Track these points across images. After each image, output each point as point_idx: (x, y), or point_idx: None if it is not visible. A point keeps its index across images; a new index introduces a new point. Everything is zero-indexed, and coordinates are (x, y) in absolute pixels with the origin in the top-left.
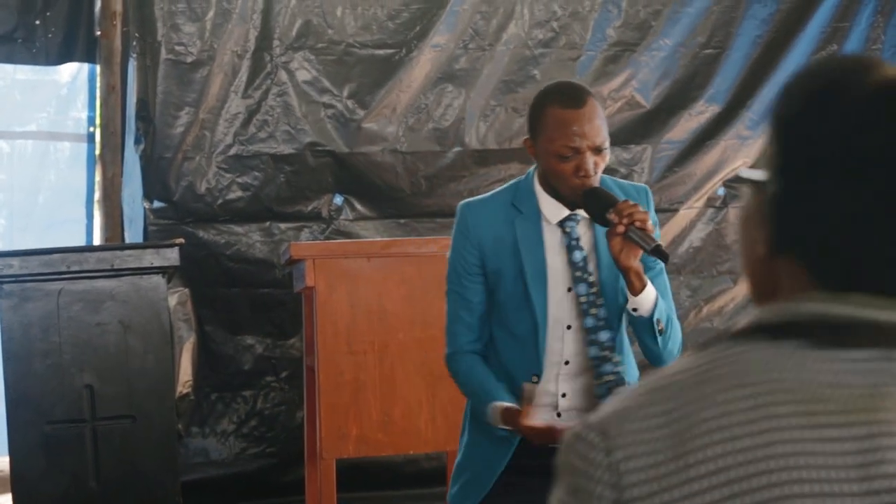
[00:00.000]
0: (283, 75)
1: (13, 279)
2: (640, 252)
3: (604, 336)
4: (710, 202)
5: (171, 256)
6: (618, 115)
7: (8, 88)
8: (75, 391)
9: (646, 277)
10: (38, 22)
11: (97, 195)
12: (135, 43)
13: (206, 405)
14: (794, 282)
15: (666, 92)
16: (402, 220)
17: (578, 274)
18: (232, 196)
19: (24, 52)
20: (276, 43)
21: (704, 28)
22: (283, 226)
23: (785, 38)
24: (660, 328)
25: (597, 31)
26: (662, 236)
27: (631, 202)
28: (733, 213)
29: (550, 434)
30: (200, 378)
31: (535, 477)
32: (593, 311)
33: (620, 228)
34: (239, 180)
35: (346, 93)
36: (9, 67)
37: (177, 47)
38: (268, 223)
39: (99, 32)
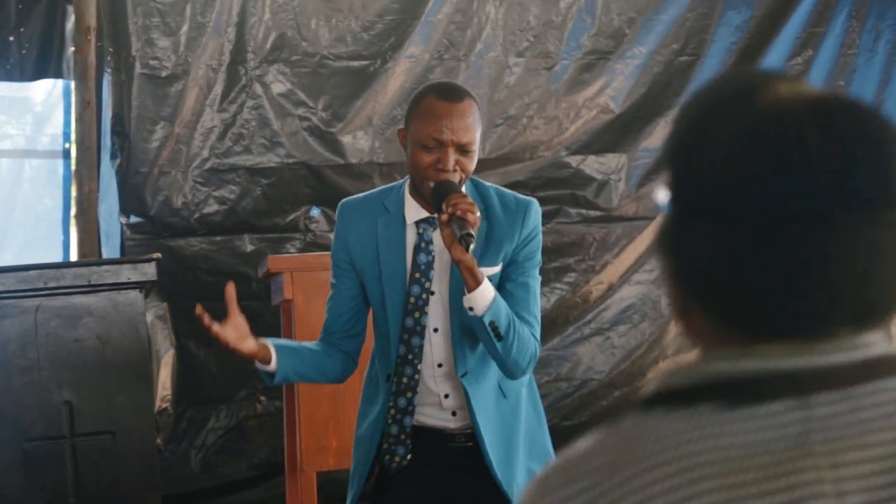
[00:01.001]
0: (258, 88)
1: None
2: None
3: (416, 341)
4: None
5: (149, 271)
6: (593, 124)
7: None
8: (54, 407)
9: (481, 275)
10: (11, 38)
11: (73, 211)
12: (109, 58)
13: (186, 419)
14: (703, 318)
15: (641, 100)
16: None
17: (416, 276)
18: (208, 210)
19: None
20: (250, 56)
21: (679, 35)
22: (260, 238)
23: (760, 44)
24: (496, 331)
25: (571, 40)
26: (640, 244)
27: (462, 194)
28: None
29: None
30: (179, 392)
31: (435, 471)
32: (416, 313)
33: (444, 217)
34: (215, 194)
35: (321, 105)
36: None
37: (151, 62)
38: (245, 236)
39: (73, 48)
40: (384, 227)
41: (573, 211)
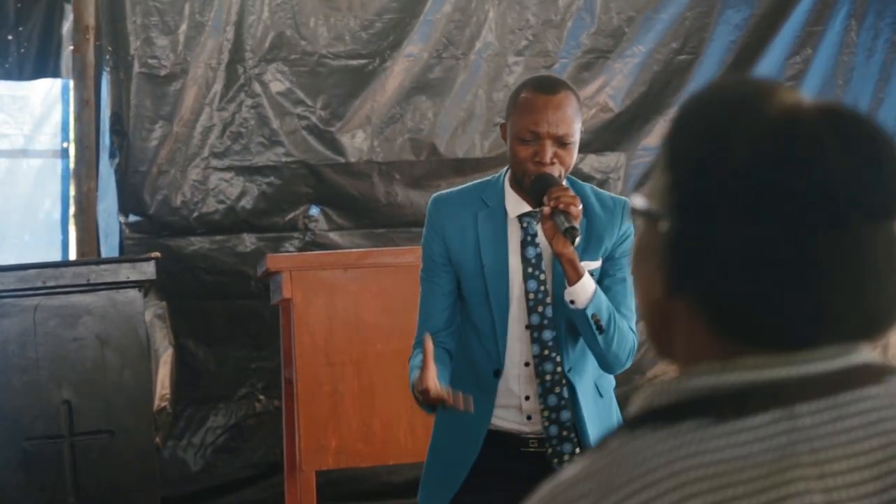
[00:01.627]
0: (256, 87)
1: None
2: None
3: (547, 335)
4: None
5: (148, 270)
6: (592, 123)
7: None
8: (53, 407)
9: (582, 268)
10: (10, 37)
11: (72, 210)
12: (108, 57)
13: (185, 418)
14: (690, 326)
15: (641, 99)
16: (378, 230)
17: (529, 270)
18: (207, 209)
19: None
20: (249, 55)
21: (678, 34)
22: (259, 237)
23: (759, 42)
24: (597, 324)
25: (570, 39)
26: None
27: (563, 187)
28: None
29: (439, 399)
30: (178, 391)
31: (505, 478)
32: (539, 308)
33: (546, 210)
34: (214, 193)
35: (319, 104)
36: None
37: (150, 61)
38: (244, 235)
39: (72, 47)
40: (484, 220)
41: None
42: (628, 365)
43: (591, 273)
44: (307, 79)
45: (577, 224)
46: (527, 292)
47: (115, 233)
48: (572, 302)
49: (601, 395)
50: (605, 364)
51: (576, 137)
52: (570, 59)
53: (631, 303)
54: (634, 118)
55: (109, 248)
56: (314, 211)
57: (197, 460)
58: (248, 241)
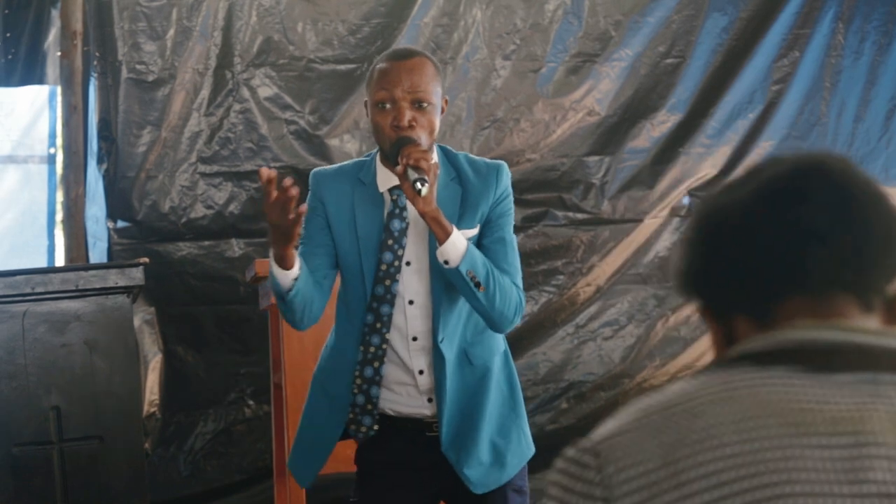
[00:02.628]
0: (244, 92)
1: None
2: (434, 196)
3: (385, 309)
4: (674, 211)
5: (136, 276)
6: (580, 126)
7: None
8: (42, 413)
9: (450, 226)
10: None
11: (60, 216)
12: (96, 62)
13: (174, 424)
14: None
15: (628, 102)
16: None
17: (389, 242)
18: (196, 214)
19: None
20: (237, 60)
21: (665, 38)
22: (247, 243)
23: (746, 46)
24: (475, 281)
25: (557, 43)
26: (627, 246)
27: (415, 144)
28: None
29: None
30: (167, 397)
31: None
32: (386, 281)
33: (399, 169)
34: (202, 198)
35: (308, 108)
36: None
37: (138, 66)
38: (232, 240)
39: (60, 53)
40: (360, 196)
41: (560, 214)
42: (517, 321)
43: (469, 240)
44: (295, 83)
45: (427, 176)
46: (379, 263)
47: (104, 238)
48: (446, 262)
49: (470, 363)
50: (492, 323)
51: (434, 100)
52: (557, 63)
53: (513, 258)
54: (622, 122)
55: (98, 253)
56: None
57: (186, 466)
58: (237, 247)
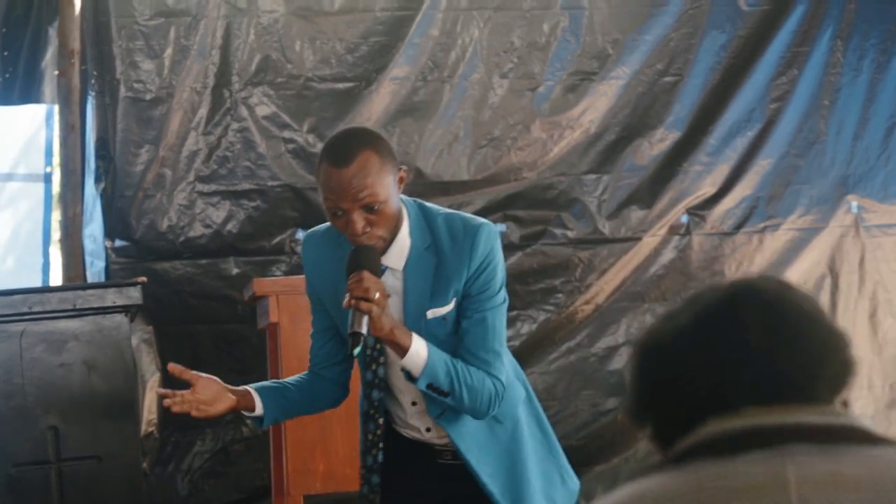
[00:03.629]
0: (242, 111)
1: None
2: (385, 321)
3: (375, 395)
4: (673, 230)
5: (134, 295)
6: (577, 144)
7: None
8: (40, 432)
9: (408, 340)
10: None
11: (57, 235)
12: (93, 81)
13: (171, 443)
14: None
15: (626, 120)
16: None
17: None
18: (194, 233)
19: None
20: (235, 79)
21: (663, 55)
22: (245, 262)
23: (744, 63)
24: (438, 392)
25: (555, 61)
26: (625, 264)
27: (356, 279)
28: (697, 240)
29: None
30: (165, 416)
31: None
32: (373, 366)
33: (345, 305)
34: (200, 217)
35: (306, 127)
36: None
37: (135, 84)
38: (230, 259)
39: (57, 71)
40: (342, 272)
41: (558, 232)
42: (493, 412)
43: (445, 317)
44: (293, 102)
45: (362, 330)
46: (364, 348)
47: (101, 257)
48: (409, 374)
49: (500, 422)
50: (469, 415)
51: (385, 195)
52: (555, 82)
53: (493, 342)
54: (619, 139)
55: (95, 273)
56: (301, 235)
57: (184, 485)
58: (235, 265)
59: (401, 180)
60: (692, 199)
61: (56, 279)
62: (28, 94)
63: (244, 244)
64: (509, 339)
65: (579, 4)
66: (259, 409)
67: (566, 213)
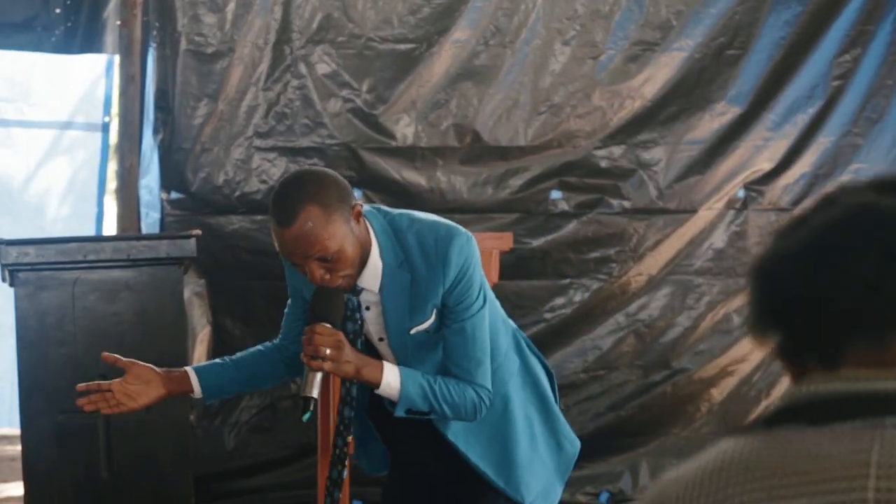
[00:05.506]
0: (302, 68)
1: (29, 267)
2: (347, 366)
3: (346, 412)
4: (730, 204)
5: (188, 247)
6: (637, 115)
7: (26, 76)
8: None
9: (378, 375)
10: (58, 10)
11: (113, 185)
12: (155, 33)
13: None
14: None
15: (687, 92)
16: None
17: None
18: (250, 188)
19: (44, 40)
20: (296, 36)
21: (727, 29)
22: None
23: (808, 40)
24: (418, 413)
25: (618, 30)
26: (680, 236)
27: (307, 336)
28: (753, 215)
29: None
30: None
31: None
32: (346, 384)
33: (303, 357)
34: (257, 172)
35: (365, 87)
36: (27, 55)
37: (197, 38)
38: None
39: (119, 22)
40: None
41: (614, 202)
42: (480, 416)
43: (428, 329)
44: (353, 61)
45: (312, 394)
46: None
47: (156, 209)
48: (390, 401)
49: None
50: (457, 424)
51: (336, 245)
52: (616, 51)
53: (473, 350)
54: (680, 112)
55: (150, 224)
56: (356, 194)
57: (231, 439)
58: None
59: (357, 216)
60: (750, 174)
61: (110, 229)
62: (89, 43)
63: None
64: (562, 307)
65: None
66: (197, 391)
67: (623, 182)
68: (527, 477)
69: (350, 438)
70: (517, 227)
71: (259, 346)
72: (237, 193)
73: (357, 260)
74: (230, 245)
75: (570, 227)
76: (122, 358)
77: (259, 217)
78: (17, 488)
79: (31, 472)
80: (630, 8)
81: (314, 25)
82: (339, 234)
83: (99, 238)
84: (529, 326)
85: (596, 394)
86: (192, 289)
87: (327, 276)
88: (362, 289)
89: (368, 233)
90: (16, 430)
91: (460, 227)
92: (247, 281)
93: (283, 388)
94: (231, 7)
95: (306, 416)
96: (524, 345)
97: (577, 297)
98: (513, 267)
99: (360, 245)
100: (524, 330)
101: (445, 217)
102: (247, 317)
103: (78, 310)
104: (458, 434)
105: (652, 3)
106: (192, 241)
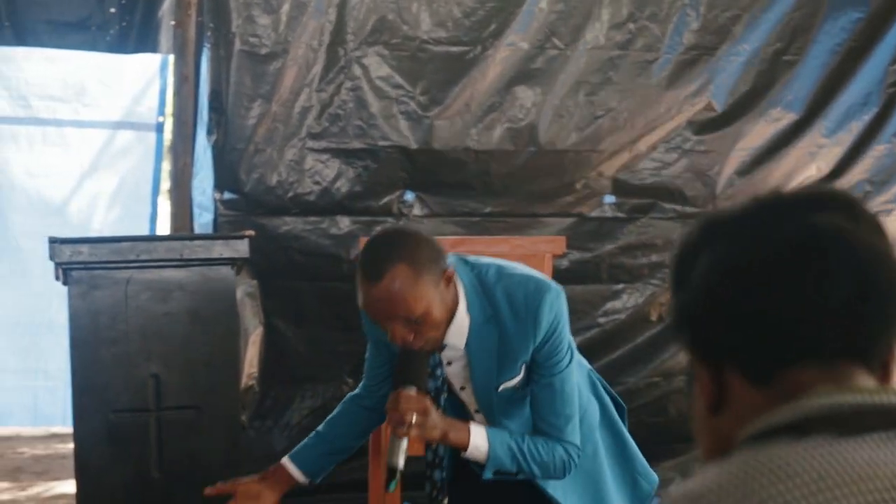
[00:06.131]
0: (356, 70)
1: (82, 266)
2: (434, 429)
3: (437, 475)
4: None
5: (241, 248)
6: (693, 120)
7: (80, 76)
8: (141, 380)
9: (465, 437)
10: (113, 10)
11: (166, 185)
12: (209, 33)
13: (271, 398)
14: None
15: (743, 98)
16: (473, 219)
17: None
18: (303, 189)
19: (99, 39)
20: (350, 37)
21: (783, 34)
22: (353, 220)
23: (863, 47)
24: (507, 474)
25: (674, 35)
26: None
27: (392, 403)
28: None
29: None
30: (266, 370)
31: None
32: (433, 445)
33: (387, 425)
34: (310, 174)
35: (419, 89)
36: (82, 55)
37: (251, 39)
38: (338, 217)
39: (173, 22)
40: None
41: (668, 206)
42: (570, 472)
43: (516, 385)
44: (407, 64)
45: (398, 464)
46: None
47: (209, 209)
48: (477, 463)
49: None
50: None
51: (423, 308)
52: (673, 55)
53: (562, 407)
54: (735, 117)
55: (202, 224)
56: (409, 196)
57: (282, 440)
58: (342, 224)
59: (447, 280)
60: (804, 181)
61: (163, 229)
62: (143, 43)
63: (352, 203)
64: (616, 312)
65: None
66: (301, 477)
67: (677, 188)
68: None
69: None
70: (571, 231)
71: (339, 408)
72: (290, 194)
73: (444, 322)
74: (283, 246)
75: (624, 231)
76: (223, 485)
77: (312, 218)
78: (69, 486)
79: (84, 470)
80: (686, 12)
81: (368, 27)
82: (428, 296)
83: (152, 238)
84: (583, 331)
85: (647, 399)
86: (245, 289)
87: (410, 337)
88: (445, 345)
89: (457, 293)
90: (69, 429)
91: (550, 282)
92: (299, 282)
93: (334, 389)
94: (286, 8)
95: (392, 486)
96: (599, 385)
97: (632, 303)
98: (566, 271)
99: (448, 308)
100: (578, 335)
101: (499, 221)
102: (299, 318)
103: (130, 309)
104: (556, 487)
105: (708, 8)
106: (245, 241)
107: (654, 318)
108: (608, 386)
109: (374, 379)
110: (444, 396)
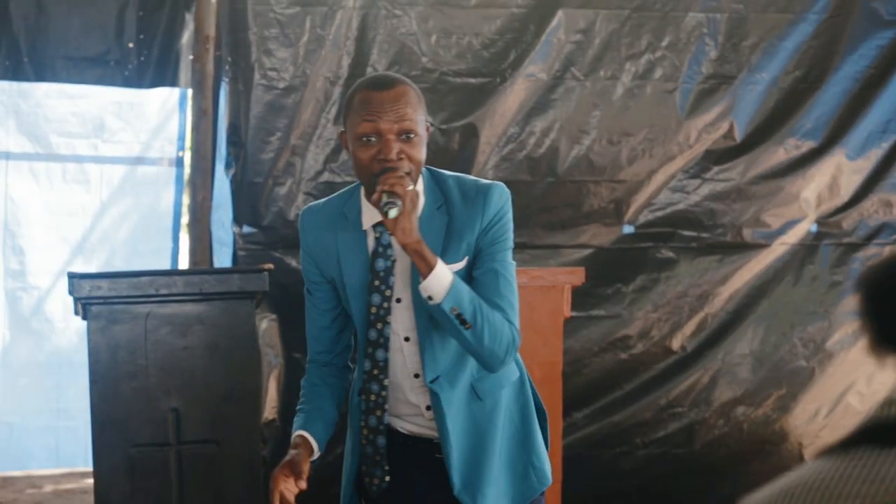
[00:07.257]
0: None
1: (102, 301)
2: (415, 226)
3: (380, 354)
4: (802, 238)
5: (261, 282)
6: (712, 149)
7: (99, 111)
8: (161, 414)
9: (434, 258)
10: (131, 45)
11: (186, 219)
12: (227, 67)
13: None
14: None
15: (762, 126)
16: None
17: (376, 283)
18: None
19: (117, 74)
20: (369, 70)
21: (802, 62)
22: None
23: (883, 74)
24: (460, 318)
25: (693, 64)
26: (751, 270)
27: (393, 171)
28: (826, 249)
29: None
30: (286, 404)
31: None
32: (378, 325)
33: (375, 198)
34: None
35: (439, 120)
36: (101, 90)
37: (269, 72)
38: None
39: (192, 56)
40: (343, 234)
41: (688, 235)
42: (508, 362)
43: (456, 274)
44: (427, 95)
45: (398, 200)
46: (369, 306)
47: (229, 244)
48: (430, 298)
49: (479, 398)
50: (482, 362)
51: (420, 130)
52: (692, 85)
53: (506, 292)
54: (754, 145)
55: (222, 258)
56: None
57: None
58: None
59: (427, 130)
60: (823, 209)
61: (184, 263)
62: (162, 77)
63: None
64: (637, 342)
65: (719, 8)
66: (317, 449)
67: (696, 216)
68: (489, 493)
69: (386, 381)
70: (590, 262)
71: (310, 383)
72: None
73: (419, 167)
74: (302, 280)
75: (639, 259)
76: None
77: None
78: None
79: None
80: (705, 41)
81: (387, 59)
82: (422, 125)
83: (171, 272)
84: (603, 361)
85: (670, 430)
86: (265, 323)
87: (402, 157)
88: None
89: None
90: (90, 468)
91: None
92: None
93: None
94: (304, 41)
95: (393, 212)
96: (524, 369)
97: (655, 333)
98: (585, 303)
99: (423, 159)
100: (599, 365)
101: (521, 252)
102: None
103: (150, 343)
104: (455, 419)
105: (727, 38)
106: (265, 275)
107: (675, 348)
108: (535, 390)
109: (324, 343)
110: (392, 277)
